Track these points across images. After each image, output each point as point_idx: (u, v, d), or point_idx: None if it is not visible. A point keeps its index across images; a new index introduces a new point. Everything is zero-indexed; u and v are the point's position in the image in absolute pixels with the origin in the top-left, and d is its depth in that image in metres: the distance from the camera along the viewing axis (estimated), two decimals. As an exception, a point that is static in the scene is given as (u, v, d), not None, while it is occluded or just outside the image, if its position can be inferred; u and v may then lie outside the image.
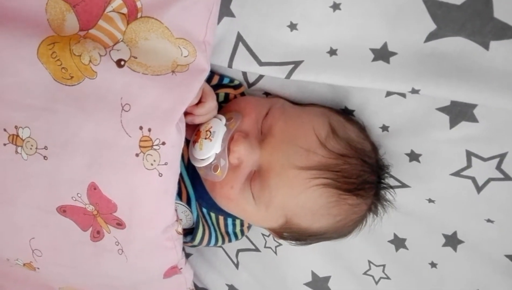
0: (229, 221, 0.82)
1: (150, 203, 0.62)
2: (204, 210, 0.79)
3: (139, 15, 0.60)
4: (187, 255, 0.98)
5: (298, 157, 0.63)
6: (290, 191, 0.64)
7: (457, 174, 0.69)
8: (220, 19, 0.65)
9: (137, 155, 0.59)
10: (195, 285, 0.97)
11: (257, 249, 0.90)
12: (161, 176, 0.60)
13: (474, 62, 0.59)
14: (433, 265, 0.77)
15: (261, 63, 0.66)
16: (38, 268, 0.72)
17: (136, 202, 0.62)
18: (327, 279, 0.85)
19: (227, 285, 0.97)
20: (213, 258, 0.96)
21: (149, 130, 0.59)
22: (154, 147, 0.59)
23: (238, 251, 0.93)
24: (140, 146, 0.59)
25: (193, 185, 0.76)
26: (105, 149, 0.60)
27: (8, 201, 0.64)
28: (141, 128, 0.59)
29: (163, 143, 0.59)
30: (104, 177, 0.61)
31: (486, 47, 0.58)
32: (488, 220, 0.71)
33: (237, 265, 0.94)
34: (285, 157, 0.64)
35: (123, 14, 0.60)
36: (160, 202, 0.63)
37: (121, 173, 0.61)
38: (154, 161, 0.60)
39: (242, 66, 0.67)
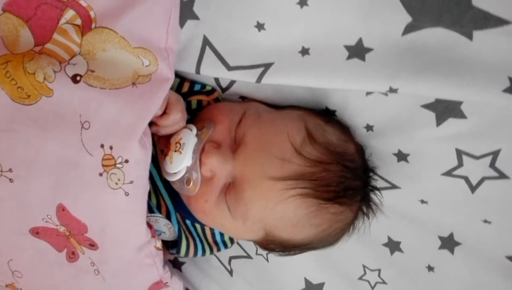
0: (216, 230, 0.79)
1: (119, 223, 0.60)
2: (188, 222, 0.76)
3: (93, 25, 0.57)
4: (181, 264, 0.96)
5: (272, 167, 0.59)
6: (266, 203, 0.60)
7: (448, 173, 0.64)
8: (183, 22, 0.61)
9: (100, 174, 0.56)
10: (191, 293, 0.95)
11: (249, 256, 0.87)
12: (127, 195, 0.57)
13: (457, 54, 0.54)
14: (430, 268, 0.73)
15: (229, 68, 0.62)
16: (21, 289, 0.71)
17: (105, 223, 0.60)
18: (321, 286, 0.82)
19: (222, 292, 0.94)
20: (206, 266, 0.93)
21: (111, 147, 0.56)
22: (117, 165, 0.56)
23: (231, 258, 0.90)
24: (103, 165, 0.56)
25: (173, 197, 0.73)
26: (69, 169, 0.57)
27: (-20, 225, 0.62)
28: (102, 146, 0.56)
29: (126, 161, 0.56)
30: (71, 198, 0.58)
31: (470, 37, 0.53)
32: (485, 221, 0.66)
33: (231, 272, 0.91)
34: (258, 167, 0.60)
35: (77, 25, 0.57)
36: (130, 222, 0.60)
37: (86, 193, 0.58)
38: (119, 180, 0.57)
39: (211, 72, 0.63)
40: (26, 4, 0.56)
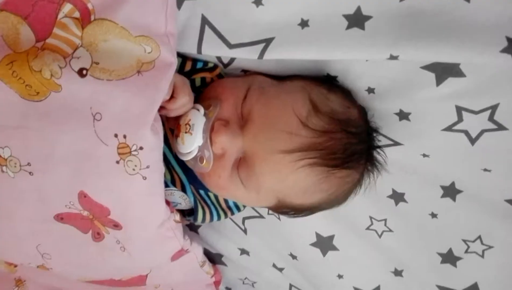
0: (229, 196, 0.83)
1: (139, 206, 0.63)
2: (202, 191, 0.79)
3: (92, 17, 0.57)
4: (197, 227, 1.00)
5: (280, 141, 0.62)
6: (277, 175, 0.63)
7: (449, 129, 0.67)
8: (180, 3, 0.61)
9: (117, 162, 0.59)
10: (209, 252, 1.00)
11: (261, 216, 0.91)
12: (145, 179, 0.60)
13: (455, 17, 0.55)
14: (433, 215, 0.77)
15: (230, 46, 0.62)
16: (51, 268, 0.75)
17: (126, 206, 0.63)
18: (331, 238, 0.87)
19: (239, 249, 0.99)
20: (221, 227, 0.97)
21: (124, 136, 0.58)
22: (133, 153, 0.58)
23: (244, 219, 0.94)
24: (119, 153, 0.59)
25: (186, 170, 0.75)
26: (85, 159, 0.59)
27: (6, 216, 0.65)
28: (116, 135, 0.58)
29: (141, 148, 0.58)
30: (91, 186, 0.61)
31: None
32: (485, 170, 0.69)
33: (245, 231, 0.96)
34: (267, 142, 0.62)
35: (76, 18, 0.57)
36: (149, 203, 0.63)
37: (105, 180, 0.60)
38: (136, 166, 0.59)
39: (212, 51, 0.64)
40: (23, 2, 0.55)
